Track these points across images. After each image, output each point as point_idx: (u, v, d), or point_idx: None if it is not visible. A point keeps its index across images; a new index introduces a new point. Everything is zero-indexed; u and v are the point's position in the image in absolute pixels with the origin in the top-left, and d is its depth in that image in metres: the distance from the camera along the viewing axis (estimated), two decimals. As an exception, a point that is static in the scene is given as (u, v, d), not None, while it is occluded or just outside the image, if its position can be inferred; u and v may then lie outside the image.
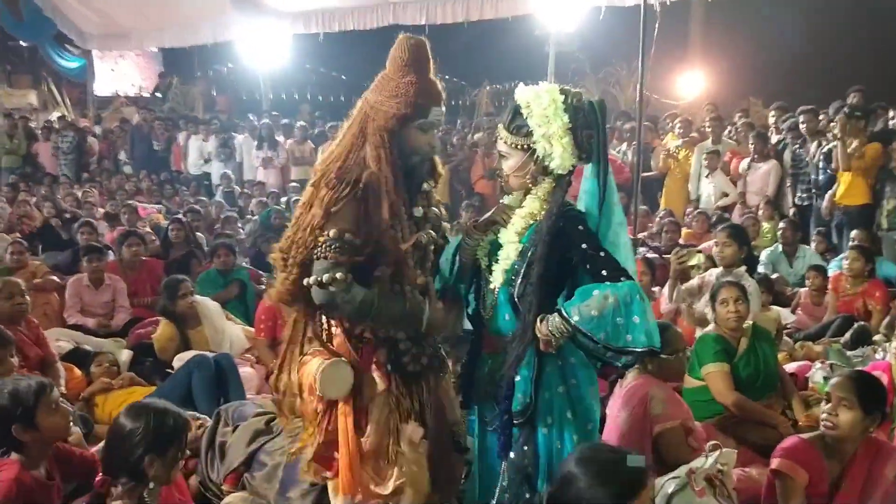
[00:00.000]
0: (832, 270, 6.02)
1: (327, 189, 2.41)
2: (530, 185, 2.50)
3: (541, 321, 2.37)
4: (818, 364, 4.49)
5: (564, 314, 2.32)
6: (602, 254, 2.39)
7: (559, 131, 2.37)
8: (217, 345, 4.87)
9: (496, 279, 2.50)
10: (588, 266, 2.39)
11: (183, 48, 14.69)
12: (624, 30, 9.65)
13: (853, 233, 6.40)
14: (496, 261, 2.51)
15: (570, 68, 14.32)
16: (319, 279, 2.37)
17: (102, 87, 18.42)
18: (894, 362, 3.65)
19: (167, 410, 2.50)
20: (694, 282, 4.94)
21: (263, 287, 6.01)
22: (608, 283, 2.33)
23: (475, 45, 15.92)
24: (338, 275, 2.35)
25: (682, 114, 10.44)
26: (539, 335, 2.37)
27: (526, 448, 2.48)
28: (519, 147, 2.46)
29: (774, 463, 2.76)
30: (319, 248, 2.38)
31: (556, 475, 2.09)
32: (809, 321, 5.80)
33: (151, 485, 2.39)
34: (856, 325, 5.18)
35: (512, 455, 2.50)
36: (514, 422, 2.49)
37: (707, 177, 8.63)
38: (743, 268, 4.81)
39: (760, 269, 6.61)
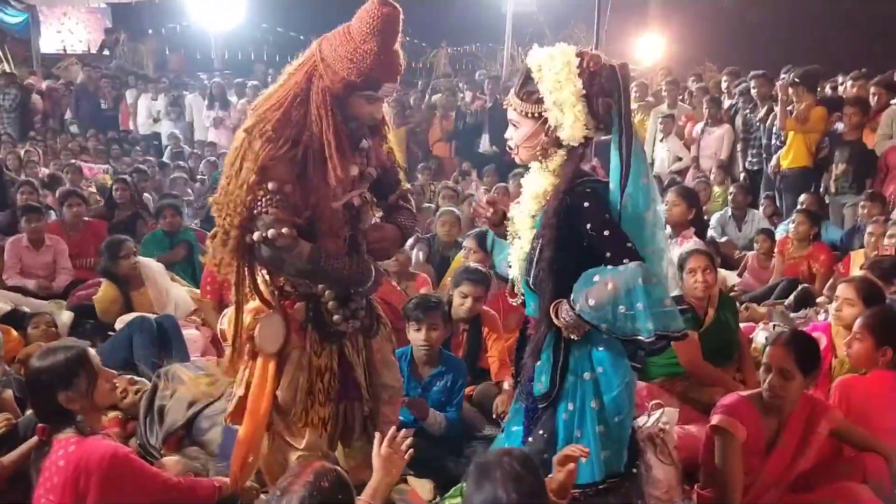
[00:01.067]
0: (780, 234, 6.10)
1: (262, 141, 2.32)
2: (540, 158, 2.31)
3: (554, 309, 2.24)
4: (761, 325, 4.55)
5: (571, 303, 2.20)
6: (606, 233, 2.18)
7: (571, 98, 2.16)
8: (161, 307, 4.77)
9: (514, 269, 2.39)
10: (594, 248, 2.20)
11: (131, 4, 14.22)
12: (583, -9, 9.59)
13: (801, 196, 6.49)
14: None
15: (529, 30, 14.22)
16: (264, 235, 2.30)
17: (48, 44, 17.79)
18: (833, 323, 3.70)
19: (58, 348, 2.55)
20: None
21: (211, 249, 5.92)
22: (610, 266, 2.15)
23: (433, 6, 15.67)
24: (284, 230, 2.28)
25: (638, 78, 10.44)
26: (555, 322, 2.26)
27: (542, 433, 2.36)
28: (529, 115, 2.25)
29: (714, 419, 2.79)
30: (260, 203, 2.31)
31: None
32: (756, 284, 5.88)
33: (79, 417, 2.44)
34: (800, 287, 5.27)
35: (530, 440, 2.41)
36: (538, 407, 2.38)
37: (661, 141, 8.68)
38: (691, 230, 4.83)
39: (710, 232, 6.68)
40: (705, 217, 7.03)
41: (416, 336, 3.49)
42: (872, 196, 5.84)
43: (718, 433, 2.77)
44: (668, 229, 4.92)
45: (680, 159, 8.60)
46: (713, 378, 3.74)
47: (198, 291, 5.12)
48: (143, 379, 3.67)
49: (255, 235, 2.32)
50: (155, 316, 4.36)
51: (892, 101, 6.32)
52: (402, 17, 2.34)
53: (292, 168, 2.33)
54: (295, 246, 2.32)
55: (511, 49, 12.93)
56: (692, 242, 4.59)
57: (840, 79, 7.05)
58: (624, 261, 2.14)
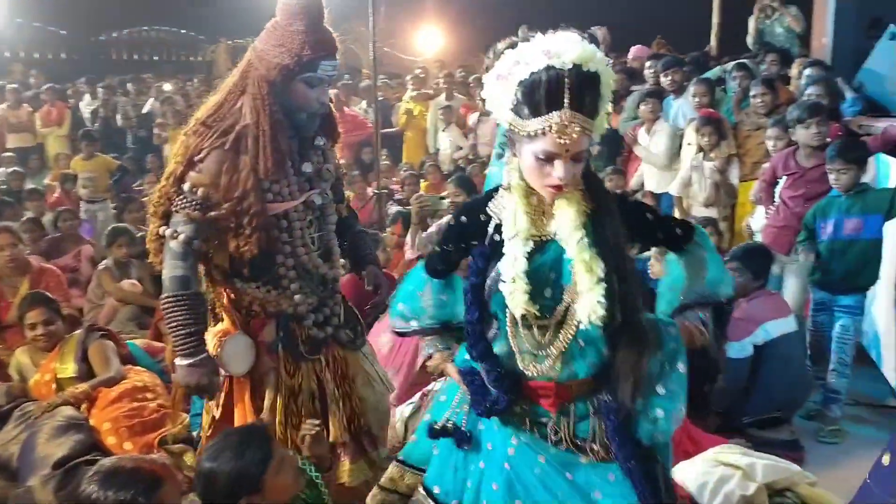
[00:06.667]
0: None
1: (194, 137, 2.32)
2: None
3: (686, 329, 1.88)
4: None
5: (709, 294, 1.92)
6: (663, 214, 2.04)
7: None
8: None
9: (593, 311, 1.68)
10: (661, 234, 1.90)
11: None
12: (359, -15, 9.83)
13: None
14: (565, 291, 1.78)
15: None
16: (166, 232, 2.34)
17: None
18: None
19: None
20: (432, 229, 5.36)
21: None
22: (695, 241, 1.91)
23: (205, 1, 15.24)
24: (181, 235, 2.30)
25: (414, 71, 10.91)
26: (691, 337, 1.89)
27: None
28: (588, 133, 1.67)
29: None
30: (177, 201, 2.32)
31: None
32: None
33: None
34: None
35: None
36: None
37: (443, 131, 9.17)
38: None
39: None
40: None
41: None
42: (614, 171, 6.62)
43: None
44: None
45: (461, 148, 9.17)
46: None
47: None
48: None
49: (162, 230, 2.36)
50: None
51: (633, 88, 7.15)
52: None
53: (222, 161, 2.29)
54: (176, 258, 2.31)
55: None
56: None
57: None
58: (691, 228, 1.94)
